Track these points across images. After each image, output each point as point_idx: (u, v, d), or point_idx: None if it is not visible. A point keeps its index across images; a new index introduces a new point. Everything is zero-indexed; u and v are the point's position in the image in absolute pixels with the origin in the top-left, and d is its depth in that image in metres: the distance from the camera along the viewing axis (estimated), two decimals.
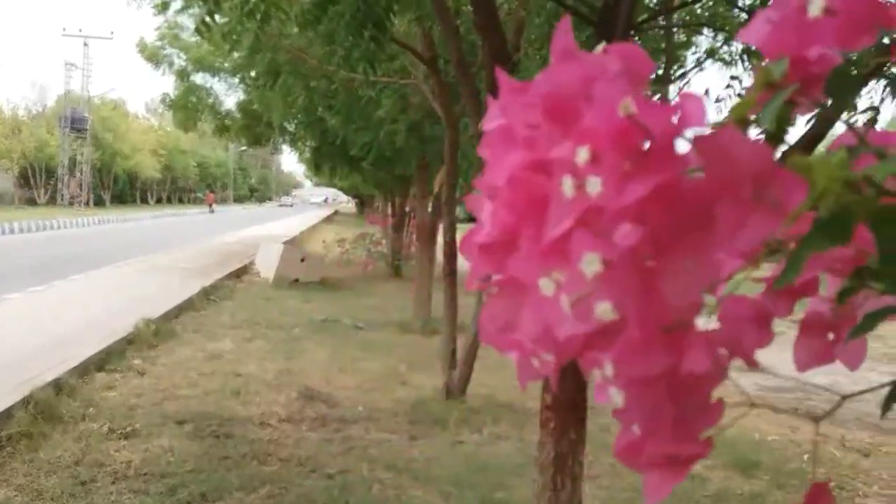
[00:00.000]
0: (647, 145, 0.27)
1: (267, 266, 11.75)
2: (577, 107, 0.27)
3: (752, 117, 0.30)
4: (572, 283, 0.27)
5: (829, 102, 0.34)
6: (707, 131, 0.27)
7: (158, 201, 58.10)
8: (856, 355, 0.39)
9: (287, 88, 6.63)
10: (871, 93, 3.32)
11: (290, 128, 10.79)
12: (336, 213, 47.71)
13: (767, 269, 0.34)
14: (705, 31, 5.05)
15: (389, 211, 15.65)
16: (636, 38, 4.46)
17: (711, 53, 5.06)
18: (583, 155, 0.26)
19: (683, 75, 5.15)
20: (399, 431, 4.48)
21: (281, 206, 71.94)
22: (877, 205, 0.28)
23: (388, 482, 3.66)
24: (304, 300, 9.56)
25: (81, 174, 42.40)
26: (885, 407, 0.35)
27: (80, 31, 44.50)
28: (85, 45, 44.15)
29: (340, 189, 31.94)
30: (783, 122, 0.30)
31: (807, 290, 0.37)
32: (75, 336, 5.98)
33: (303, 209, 60.21)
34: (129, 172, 48.96)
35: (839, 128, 0.42)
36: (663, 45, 4.74)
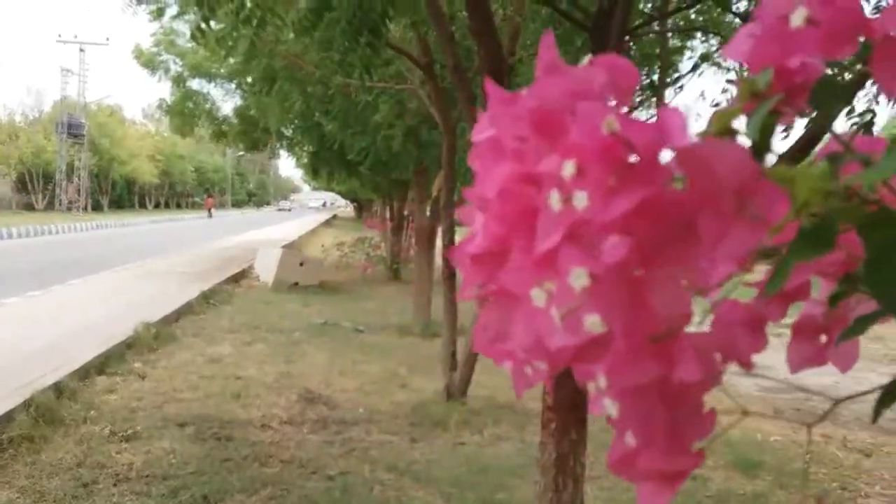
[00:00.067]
0: (633, 158, 0.27)
1: (266, 270, 11.75)
2: (563, 121, 0.28)
3: (736, 127, 0.31)
4: (562, 295, 0.27)
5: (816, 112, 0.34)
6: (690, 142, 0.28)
7: (156, 206, 58.11)
8: (847, 357, 0.40)
9: (284, 94, 6.63)
10: (868, 95, 3.33)
11: (288, 133, 10.80)
12: (335, 217, 47.70)
13: (762, 272, 0.34)
14: (699, 35, 5.07)
15: (388, 215, 15.66)
16: (631, 44, 4.48)
17: (706, 58, 5.08)
18: (569, 169, 0.26)
19: (678, 80, 5.16)
20: (400, 433, 4.48)
21: (279, 210, 71.96)
22: (864, 211, 0.29)
23: (389, 484, 3.67)
24: (304, 304, 9.56)
25: (79, 179, 42.42)
26: (876, 412, 0.36)
27: (76, 37, 44.56)
28: (81, 50, 44.18)
29: (339, 193, 31.95)
30: (767, 132, 0.31)
31: (799, 295, 0.38)
32: (75, 340, 5.98)
33: (301, 213, 60.26)
34: (126, 178, 48.97)
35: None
36: (658, 51, 4.75)
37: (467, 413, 4.85)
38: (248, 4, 3.57)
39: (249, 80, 7.84)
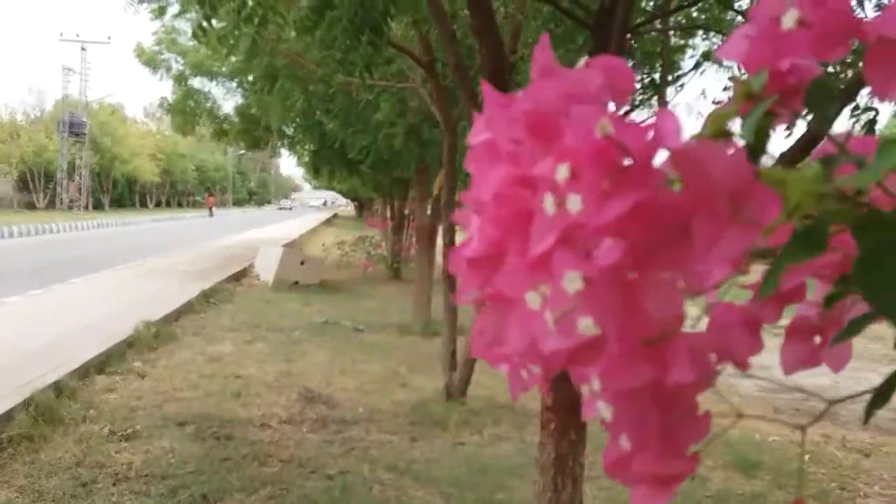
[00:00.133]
0: (627, 161, 0.27)
1: (266, 269, 11.75)
2: (557, 124, 0.28)
3: (731, 129, 0.31)
4: (555, 299, 0.27)
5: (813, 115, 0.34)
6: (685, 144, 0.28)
7: (157, 205, 58.09)
8: (840, 358, 0.40)
9: (285, 92, 6.63)
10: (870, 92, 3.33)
11: (289, 131, 10.79)
12: (335, 216, 47.71)
13: (758, 274, 0.34)
14: (701, 33, 5.07)
15: (389, 214, 15.66)
16: (632, 42, 4.48)
17: (708, 56, 5.08)
18: (563, 172, 0.26)
19: (680, 78, 5.16)
20: (400, 433, 4.48)
21: (280, 209, 71.93)
22: (857, 213, 0.29)
23: (389, 483, 3.67)
24: (304, 303, 9.57)
25: (80, 178, 42.41)
26: (868, 413, 0.36)
27: (78, 35, 44.50)
28: (82, 49, 44.13)
29: (339, 192, 31.95)
30: (762, 134, 0.31)
31: (794, 297, 0.38)
32: (75, 339, 5.98)
33: (302, 212, 60.23)
34: (127, 176, 48.96)
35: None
36: (659, 49, 4.75)
37: (467, 413, 4.85)
38: (250, 3, 3.57)
39: (251, 78, 7.84)
